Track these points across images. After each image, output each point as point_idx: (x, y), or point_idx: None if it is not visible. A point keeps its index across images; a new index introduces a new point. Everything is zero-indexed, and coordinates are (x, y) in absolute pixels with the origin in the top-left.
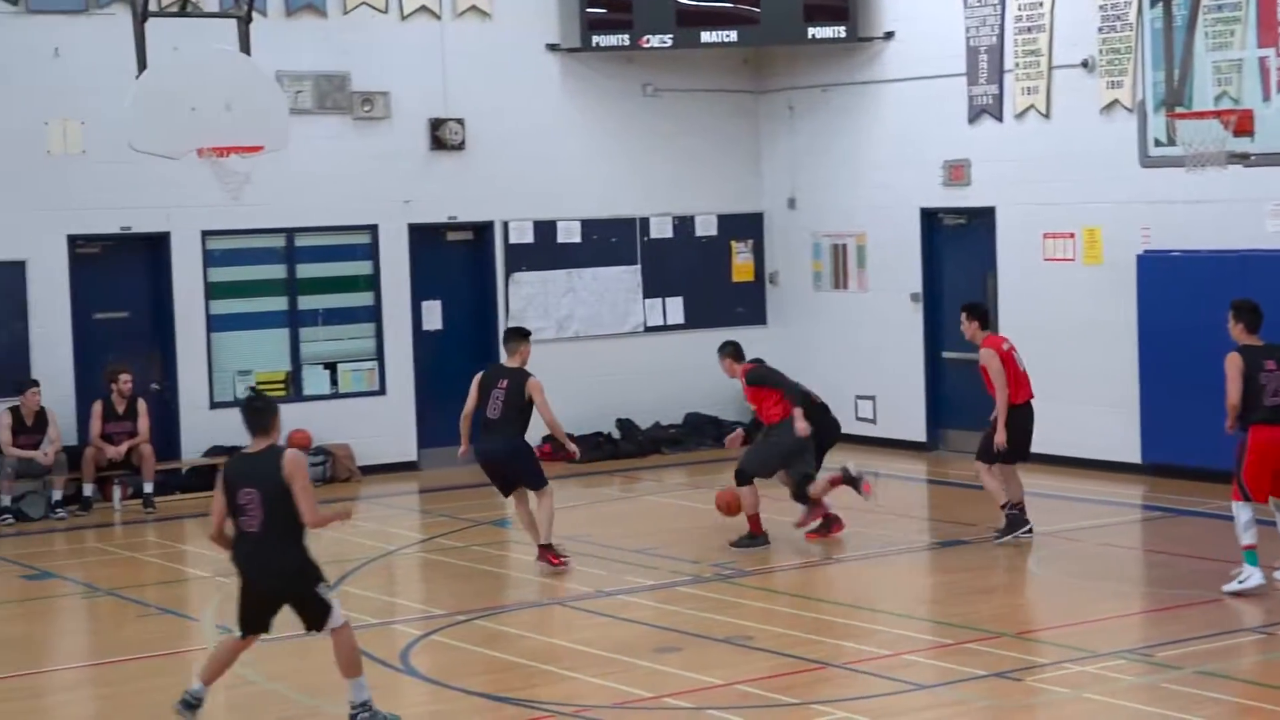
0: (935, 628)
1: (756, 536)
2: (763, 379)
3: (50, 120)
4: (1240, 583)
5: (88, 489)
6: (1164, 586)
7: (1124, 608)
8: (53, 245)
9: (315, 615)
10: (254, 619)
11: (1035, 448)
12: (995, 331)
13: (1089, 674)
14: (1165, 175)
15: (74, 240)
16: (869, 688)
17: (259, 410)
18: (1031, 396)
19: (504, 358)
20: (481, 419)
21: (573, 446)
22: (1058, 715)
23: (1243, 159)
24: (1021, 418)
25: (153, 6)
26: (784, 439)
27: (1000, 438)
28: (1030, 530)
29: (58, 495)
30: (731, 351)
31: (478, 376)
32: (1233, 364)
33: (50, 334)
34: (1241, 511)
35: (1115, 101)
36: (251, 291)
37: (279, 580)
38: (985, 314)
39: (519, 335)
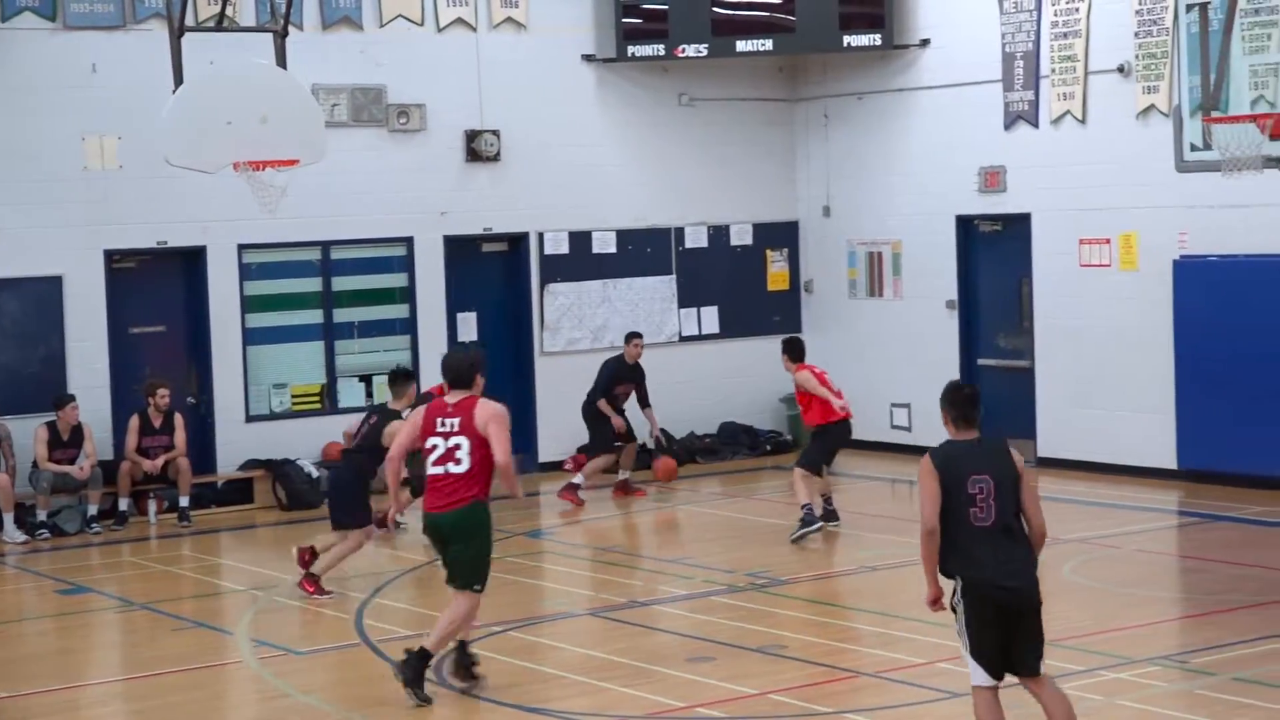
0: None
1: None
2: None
3: (87, 136)
4: None
5: (123, 503)
6: (1200, 593)
7: (1159, 614)
8: (89, 260)
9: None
10: None
11: (1072, 454)
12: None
13: (1123, 680)
14: (1202, 180)
15: (110, 255)
16: (901, 696)
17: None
18: (850, 416)
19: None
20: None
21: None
22: None
23: (1278, 163)
24: (839, 432)
25: (189, 21)
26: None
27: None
28: (820, 527)
29: (93, 510)
30: (788, 349)
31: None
32: None
33: (87, 349)
34: None
35: (1151, 106)
36: (287, 305)
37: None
38: (797, 348)
39: (404, 378)
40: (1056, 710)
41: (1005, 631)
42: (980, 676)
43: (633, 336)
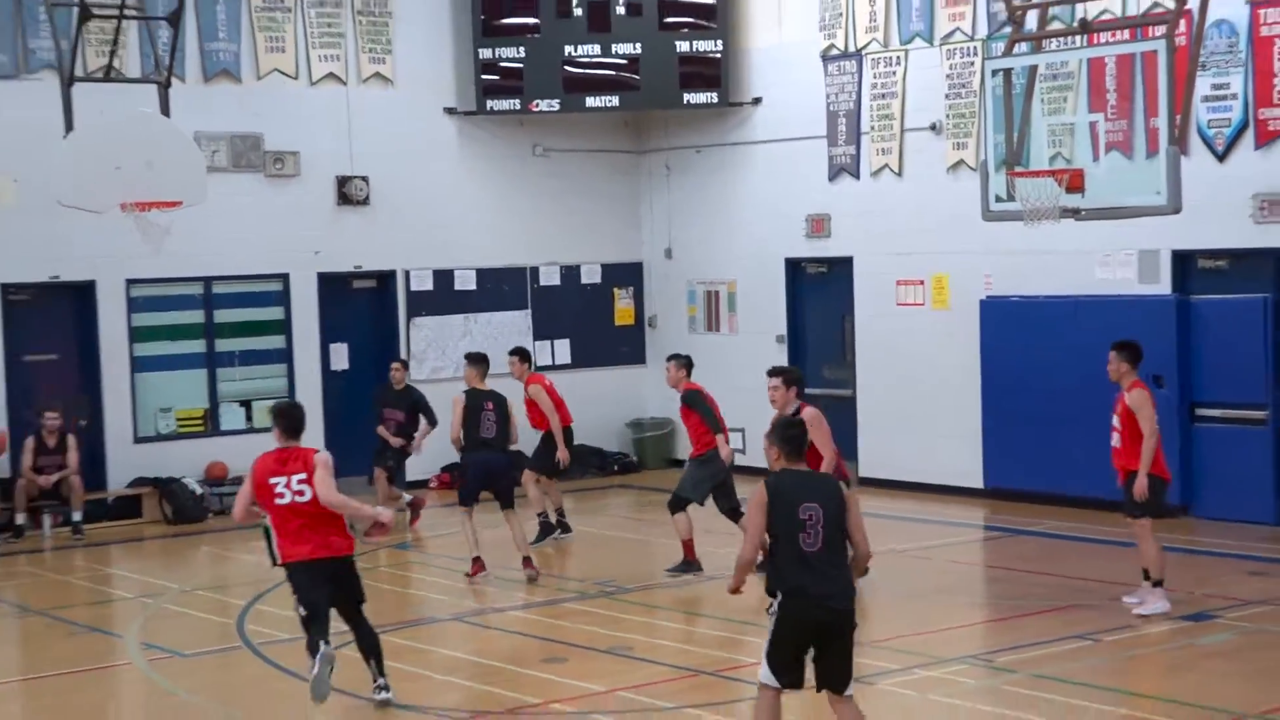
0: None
1: (691, 563)
2: (693, 403)
3: None
4: None
5: (20, 518)
6: (1003, 598)
7: (967, 618)
8: None
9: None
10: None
11: (889, 474)
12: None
13: (935, 678)
14: (1005, 228)
15: (6, 288)
16: (737, 693)
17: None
18: (571, 422)
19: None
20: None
21: None
22: (906, 717)
23: (1074, 214)
24: (570, 438)
25: (79, 72)
26: (710, 468)
27: (564, 454)
28: (560, 535)
29: None
30: (686, 363)
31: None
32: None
33: None
34: None
35: (961, 161)
36: (172, 335)
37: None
38: (526, 354)
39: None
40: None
41: (817, 648)
42: (769, 679)
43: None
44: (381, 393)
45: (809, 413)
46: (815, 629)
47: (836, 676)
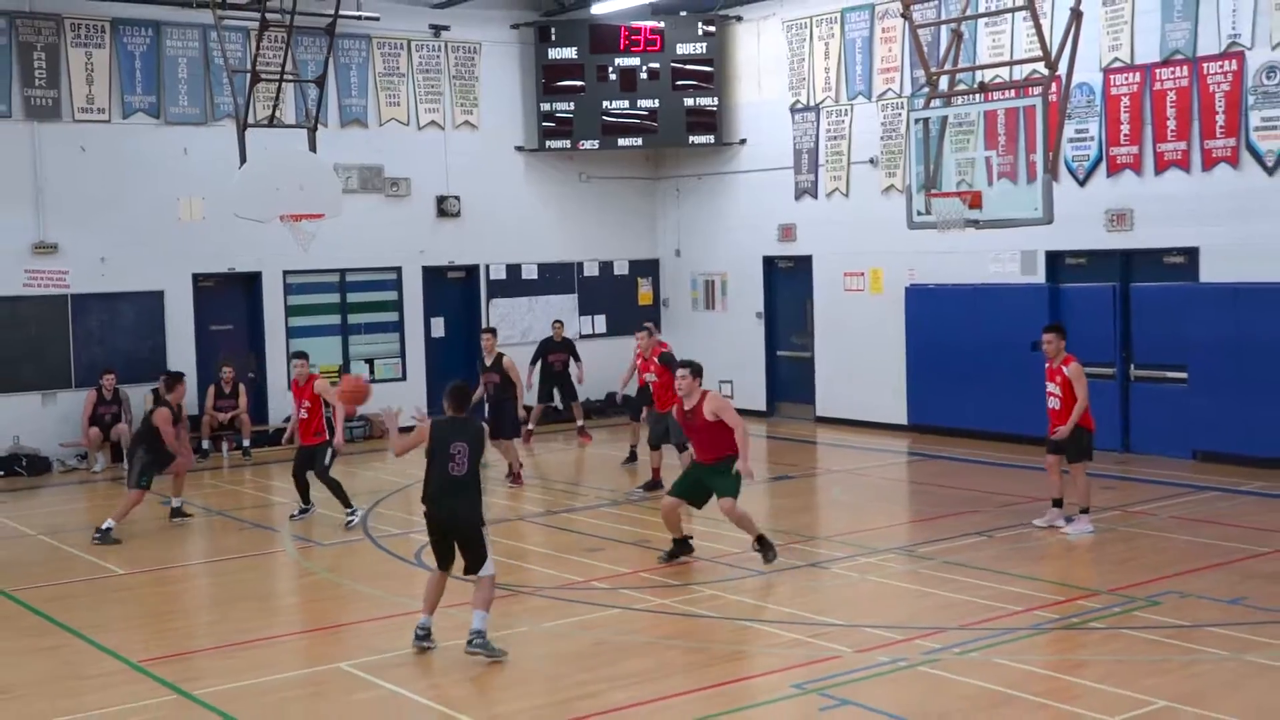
0: (770, 533)
1: (658, 484)
2: (669, 364)
3: (180, 197)
4: None
5: (205, 443)
6: (923, 505)
7: (895, 519)
8: (182, 280)
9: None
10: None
11: (840, 414)
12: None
13: (871, 563)
14: (924, 235)
15: (196, 277)
16: (724, 573)
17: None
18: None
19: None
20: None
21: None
22: (850, 594)
23: (974, 224)
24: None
25: (250, 120)
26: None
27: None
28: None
29: None
30: (653, 329)
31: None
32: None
33: (180, 340)
34: None
35: (891, 185)
36: (316, 311)
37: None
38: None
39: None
40: (477, 596)
41: (451, 542)
42: (432, 565)
43: (557, 323)
44: (546, 344)
45: (713, 395)
46: (451, 529)
47: (470, 564)
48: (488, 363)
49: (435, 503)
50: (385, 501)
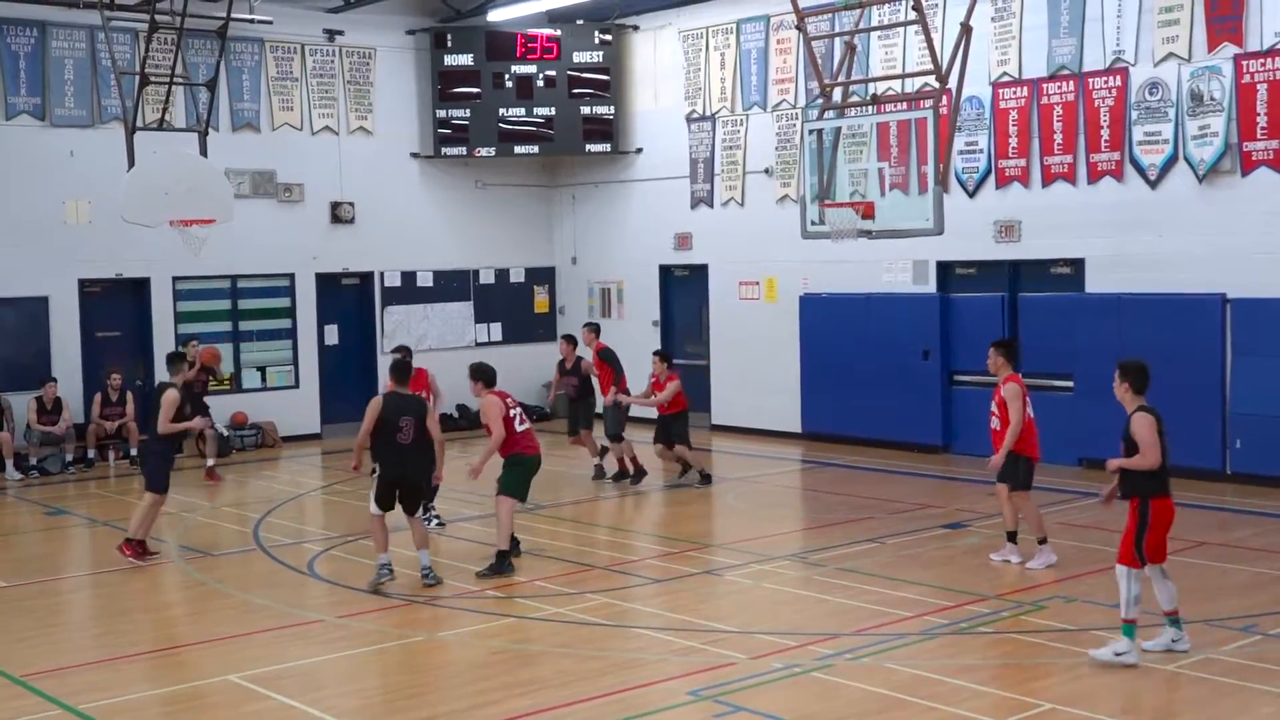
0: (665, 541)
1: (627, 472)
2: (608, 359)
3: (67, 200)
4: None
5: (91, 453)
6: (816, 512)
7: (790, 526)
8: (68, 286)
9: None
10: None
11: (734, 422)
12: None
13: (766, 570)
14: (818, 244)
15: (83, 283)
16: (621, 581)
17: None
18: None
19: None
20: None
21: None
22: (744, 600)
23: (867, 234)
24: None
25: (139, 123)
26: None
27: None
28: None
29: (69, 457)
30: (596, 330)
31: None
32: (1150, 426)
33: (65, 347)
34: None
35: (786, 195)
36: (207, 318)
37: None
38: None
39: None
40: (417, 537)
41: (397, 494)
42: (376, 510)
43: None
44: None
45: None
46: (399, 485)
47: (408, 506)
48: (568, 366)
49: (388, 465)
50: (276, 511)
